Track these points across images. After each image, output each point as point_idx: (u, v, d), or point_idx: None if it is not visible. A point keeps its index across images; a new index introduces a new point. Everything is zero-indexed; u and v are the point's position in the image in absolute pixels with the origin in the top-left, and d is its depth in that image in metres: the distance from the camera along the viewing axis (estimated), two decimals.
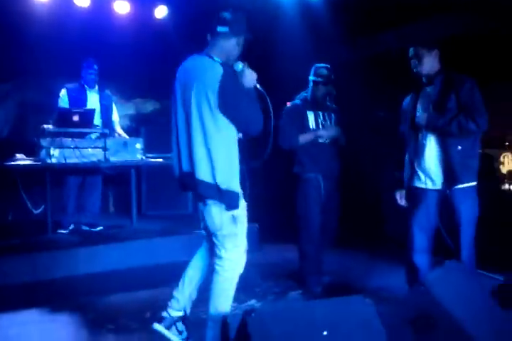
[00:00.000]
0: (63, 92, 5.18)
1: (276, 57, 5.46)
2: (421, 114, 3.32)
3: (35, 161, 4.81)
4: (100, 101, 5.31)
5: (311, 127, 4.00)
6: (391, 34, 5.02)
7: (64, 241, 4.84)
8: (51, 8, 5.26)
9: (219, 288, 2.81)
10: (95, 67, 5.18)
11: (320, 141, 3.97)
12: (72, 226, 5.25)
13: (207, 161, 2.65)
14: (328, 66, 4.02)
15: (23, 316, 3.59)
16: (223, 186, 2.65)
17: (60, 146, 4.76)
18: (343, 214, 4.18)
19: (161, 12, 5.63)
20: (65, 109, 4.98)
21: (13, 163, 4.71)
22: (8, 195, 5.57)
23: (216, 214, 2.71)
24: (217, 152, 2.64)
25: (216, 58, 2.73)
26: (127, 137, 5.43)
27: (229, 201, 2.68)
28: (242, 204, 2.79)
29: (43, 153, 4.74)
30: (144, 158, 5.21)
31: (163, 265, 4.73)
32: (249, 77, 2.73)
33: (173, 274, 4.52)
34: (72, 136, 4.86)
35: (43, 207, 5.22)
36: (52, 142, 4.73)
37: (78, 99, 5.18)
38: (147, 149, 5.36)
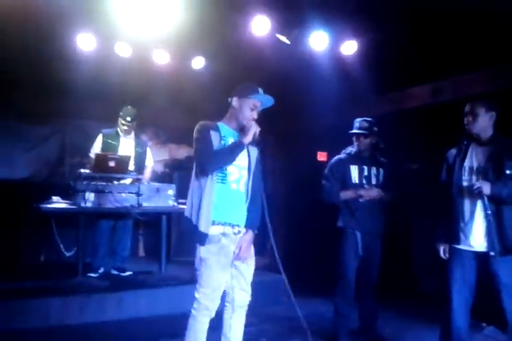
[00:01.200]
0: (99, 137, 5.33)
1: (309, 108, 5.51)
2: (481, 182, 3.15)
3: (70, 205, 4.89)
4: (135, 148, 5.42)
5: (353, 181, 3.93)
6: (426, 88, 5.02)
7: (92, 286, 4.84)
8: (94, 56, 5.46)
9: (189, 325, 2.96)
10: (128, 119, 5.27)
11: (360, 200, 3.88)
12: (101, 270, 5.28)
13: (189, 203, 3.00)
14: (369, 119, 3.99)
15: None
16: (194, 222, 2.93)
17: (95, 191, 4.86)
18: None
19: (198, 63, 5.80)
20: (102, 154, 5.08)
21: (49, 205, 4.80)
22: (42, 236, 5.69)
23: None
24: (192, 196, 2.97)
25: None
26: (146, 179, 5.44)
27: (194, 235, 2.92)
28: (213, 248, 2.92)
29: (78, 196, 4.83)
30: (175, 204, 5.25)
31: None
32: (253, 132, 2.93)
33: None
34: (108, 180, 4.97)
35: (75, 249, 5.29)
36: (88, 186, 4.84)
37: (112, 145, 5.30)
38: (180, 194, 5.39)
